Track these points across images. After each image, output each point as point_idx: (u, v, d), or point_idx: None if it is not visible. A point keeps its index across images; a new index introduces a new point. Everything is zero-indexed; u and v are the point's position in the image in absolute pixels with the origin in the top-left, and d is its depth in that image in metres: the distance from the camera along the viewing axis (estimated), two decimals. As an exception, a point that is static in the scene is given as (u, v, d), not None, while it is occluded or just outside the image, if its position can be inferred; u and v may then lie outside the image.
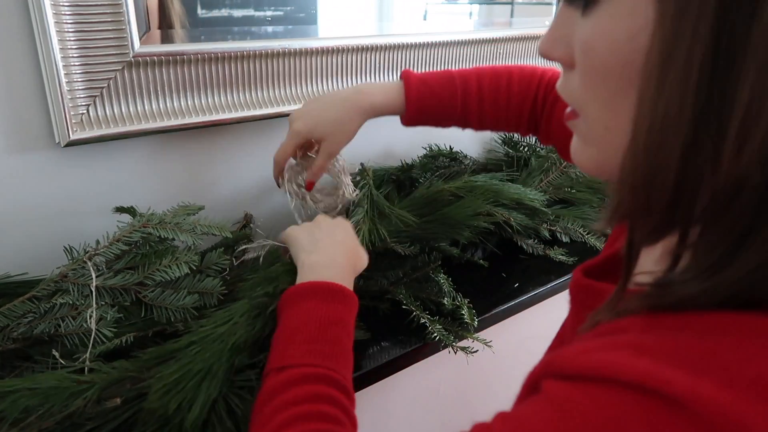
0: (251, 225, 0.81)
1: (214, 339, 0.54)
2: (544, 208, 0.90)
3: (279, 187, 0.74)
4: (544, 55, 0.34)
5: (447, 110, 0.71)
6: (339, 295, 0.54)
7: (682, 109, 0.24)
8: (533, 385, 0.31)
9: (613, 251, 0.42)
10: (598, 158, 0.33)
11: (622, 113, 0.29)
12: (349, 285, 0.58)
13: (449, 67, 0.98)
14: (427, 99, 0.70)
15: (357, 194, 0.77)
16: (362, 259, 0.63)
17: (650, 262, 0.33)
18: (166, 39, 0.70)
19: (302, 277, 0.57)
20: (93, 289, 0.58)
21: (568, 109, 0.34)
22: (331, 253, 0.59)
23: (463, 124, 0.74)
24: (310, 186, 0.73)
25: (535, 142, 1.09)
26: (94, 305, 0.57)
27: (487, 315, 0.76)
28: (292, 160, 0.73)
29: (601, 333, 0.30)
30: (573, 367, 0.28)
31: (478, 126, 0.74)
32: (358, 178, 0.82)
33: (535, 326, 1.00)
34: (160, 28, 0.70)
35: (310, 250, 0.59)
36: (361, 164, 0.84)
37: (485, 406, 0.99)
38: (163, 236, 0.63)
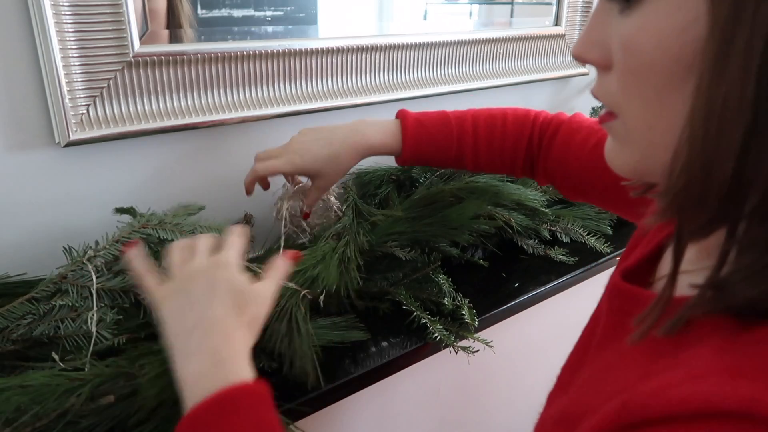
0: (252, 225, 0.80)
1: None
2: (543, 209, 0.90)
3: (248, 195, 0.73)
4: (579, 57, 0.33)
5: (442, 153, 0.72)
6: (241, 405, 0.40)
7: (743, 97, 0.24)
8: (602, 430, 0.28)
9: (647, 252, 0.42)
10: (637, 158, 0.32)
11: (668, 110, 0.28)
12: (247, 357, 0.44)
13: (449, 68, 0.98)
14: (424, 141, 0.71)
15: (343, 210, 0.79)
16: (258, 305, 0.48)
17: (685, 262, 0.33)
18: (174, 39, 0.71)
19: (191, 397, 0.40)
20: (94, 292, 0.58)
21: (603, 111, 0.34)
22: (215, 341, 0.43)
23: (458, 165, 0.74)
24: (306, 217, 0.76)
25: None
26: (95, 308, 0.57)
27: (487, 315, 0.76)
28: (287, 188, 0.76)
29: (663, 353, 0.29)
30: (659, 408, 0.25)
31: (473, 167, 0.74)
32: (341, 191, 0.83)
33: (536, 326, 1.00)
34: (168, 28, 0.70)
35: (186, 352, 0.43)
36: (344, 184, 0.85)
37: (485, 406, 0.98)
38: (162, 237, 0.62)
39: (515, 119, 0.71)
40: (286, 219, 0.74)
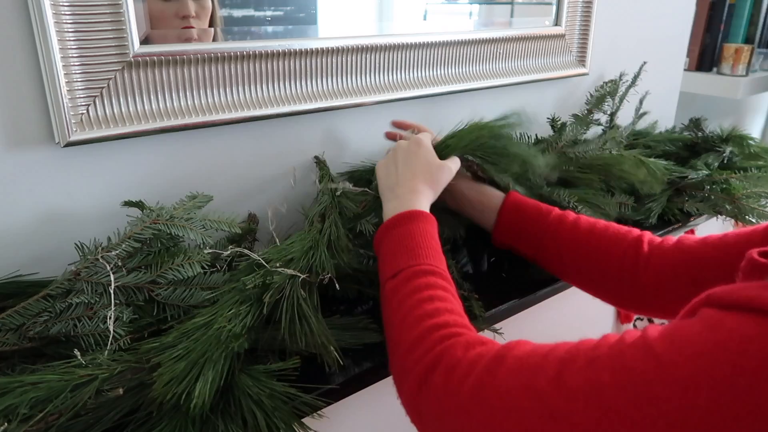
0: (256, 225, 0.80)
1: (206, 327, 0.56)
2: (544, 186, 0.90)
3: None
4: None
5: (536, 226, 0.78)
6: (419, 217, 0.66)
7: None
8: (691, 311, 0.38)
9: None
10: None
11: None
12: (427, 204, 0.69)
13: (449, 68, 0.98)
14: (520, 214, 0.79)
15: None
16: (442, 173, 0.73)
17: None
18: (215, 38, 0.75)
19: (388, 212, 0.68)
20: (111, 290, 0.57)
21: None
22: (408, 185, 0.70)
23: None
24: None
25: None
26: (113, 306, 0.57)
27: (486, 314, 0.75)
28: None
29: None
30: (730, 299, 0.35)
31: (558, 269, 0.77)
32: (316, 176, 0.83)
33: (536, 326, 1.00)
34: (211, 26, 0.74)
35: (390, 188, 0.71)
36: (316, 156, 0.86)
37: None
38: (174, 233, 0.62)
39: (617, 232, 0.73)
40: None
